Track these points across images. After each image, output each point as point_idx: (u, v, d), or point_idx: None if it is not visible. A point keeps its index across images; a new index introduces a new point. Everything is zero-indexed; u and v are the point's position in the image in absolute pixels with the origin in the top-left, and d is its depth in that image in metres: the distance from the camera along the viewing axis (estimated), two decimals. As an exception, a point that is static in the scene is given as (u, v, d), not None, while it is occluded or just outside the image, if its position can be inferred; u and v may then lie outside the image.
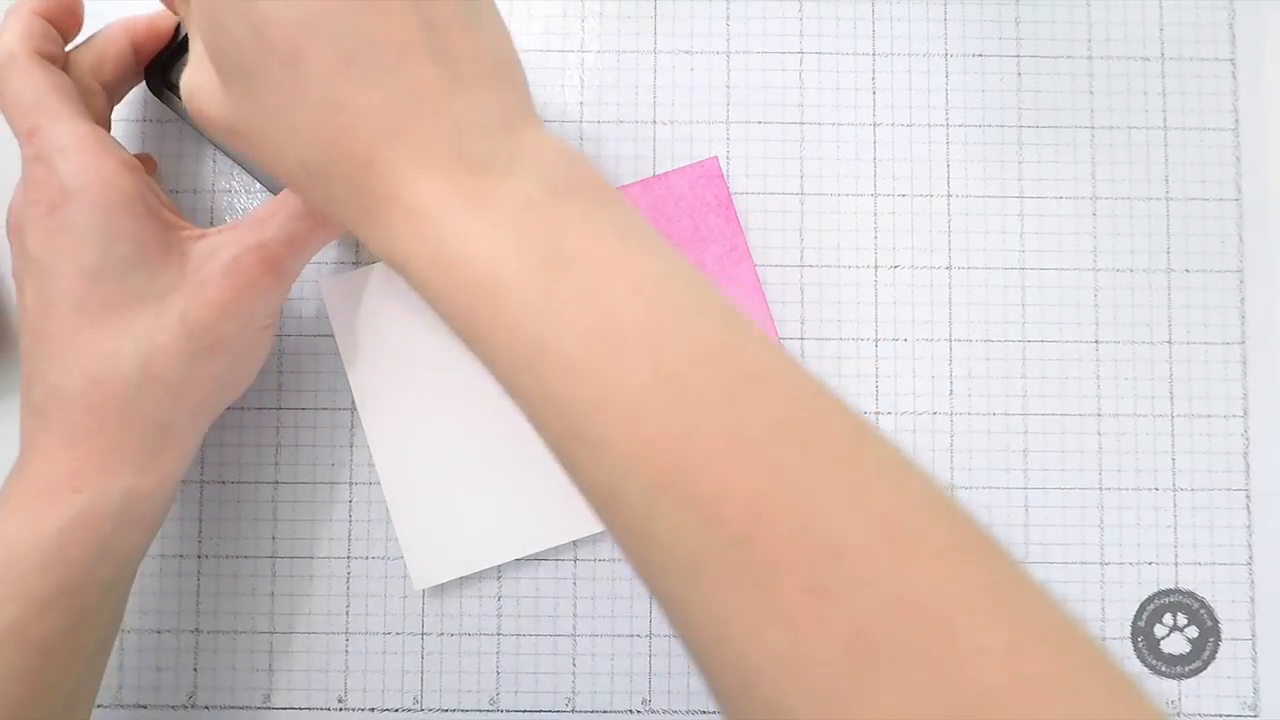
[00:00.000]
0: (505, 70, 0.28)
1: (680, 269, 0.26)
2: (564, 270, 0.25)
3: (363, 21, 0.25)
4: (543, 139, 0.27)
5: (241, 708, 0.38)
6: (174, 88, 0.37)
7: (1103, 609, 0.39)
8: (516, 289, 0.25)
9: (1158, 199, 0.40)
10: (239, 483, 0.39)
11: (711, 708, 0.38)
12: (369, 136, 0.26)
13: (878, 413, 0.40)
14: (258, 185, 0.40)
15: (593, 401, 0.24)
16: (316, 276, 0.40)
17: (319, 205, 0.28)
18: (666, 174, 0.39)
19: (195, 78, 0.29)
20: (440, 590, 0.39)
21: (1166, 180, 0.40)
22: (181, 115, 0.38)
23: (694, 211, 0.39)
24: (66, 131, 0.31)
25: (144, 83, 0.37)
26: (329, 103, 0.26)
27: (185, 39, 0.37)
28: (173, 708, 0.38)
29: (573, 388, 0.24)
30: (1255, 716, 0.39)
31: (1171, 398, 0.40)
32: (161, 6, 0.36)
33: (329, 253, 0.40)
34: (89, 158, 0.31)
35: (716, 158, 0.40)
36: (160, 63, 0.37)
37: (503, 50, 0.28)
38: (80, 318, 0.31)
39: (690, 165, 0.39)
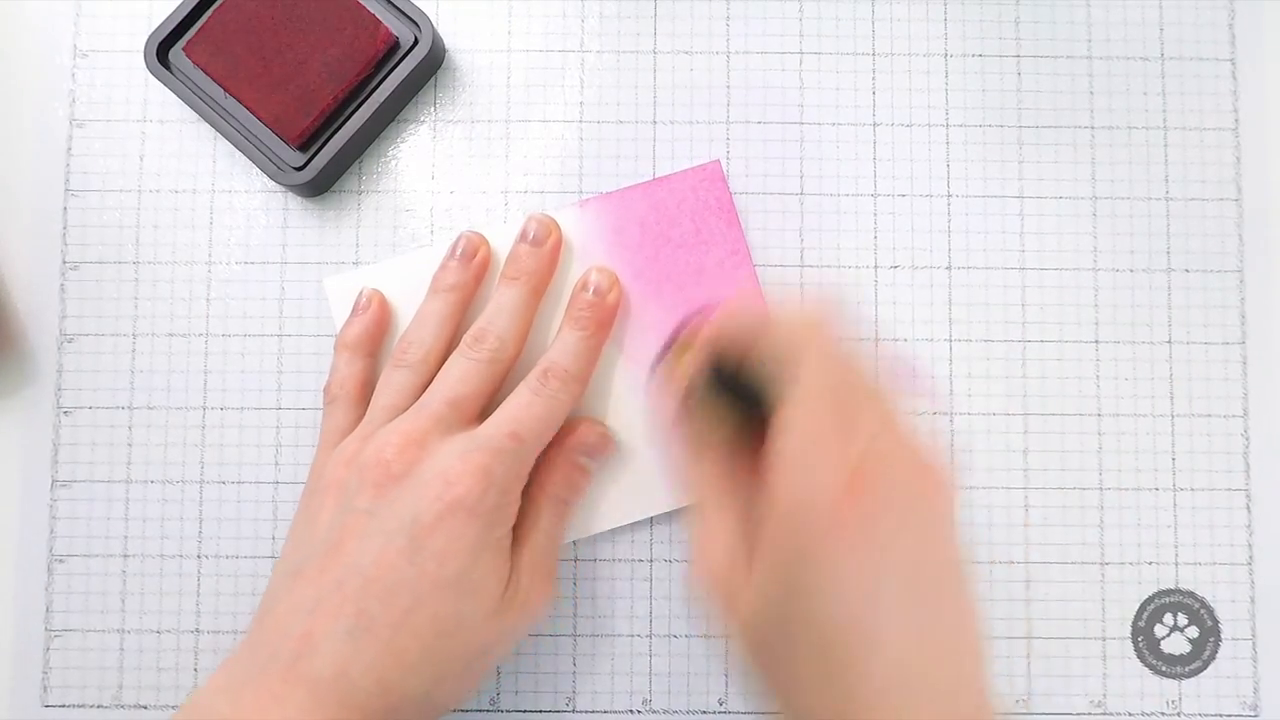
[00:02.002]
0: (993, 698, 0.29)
1: None
2: None
3: (930, 631, 0.27)
4: None
5: (241, 708, 0.38)
6: (171, 68, 0.38)
7: (1103, 609, 0.39)
8: None
9: (1158, 199, 0.40)
10: (239, 483, 0.39)
11: (711, 708, 0.38)
12: None
13: (878, 413, 0.40)
14: (257, 186, 0.40)
15: None
16: (317, 276, 0.40)
17: None
18: (669, 176, 0.39)
19: (710, 580, 0.29)
20: (440, 590, 0.39)
21: (1166, 180, 0.40)
22: (180, 95, 0.38)
23: (695, 214, 0.39)
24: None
25: (145, 66, 0.38)
26: (862, 701, 0.26)
27: (187, 17, 0.38)
28: (172, 707, 0.38)
29: None
30: (1255, 716, 0.39)
31: (1171, 398, 0.40)
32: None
33: (329, 252, 0.40)
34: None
35: (719, 161, 0.40)
36: (164, 42, 0.38)
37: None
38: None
39: (693, 168, 0.39)
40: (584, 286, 0.37)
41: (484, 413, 0.35)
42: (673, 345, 0.35)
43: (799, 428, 0.27)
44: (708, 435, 0.31)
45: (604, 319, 0.37)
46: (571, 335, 0.36)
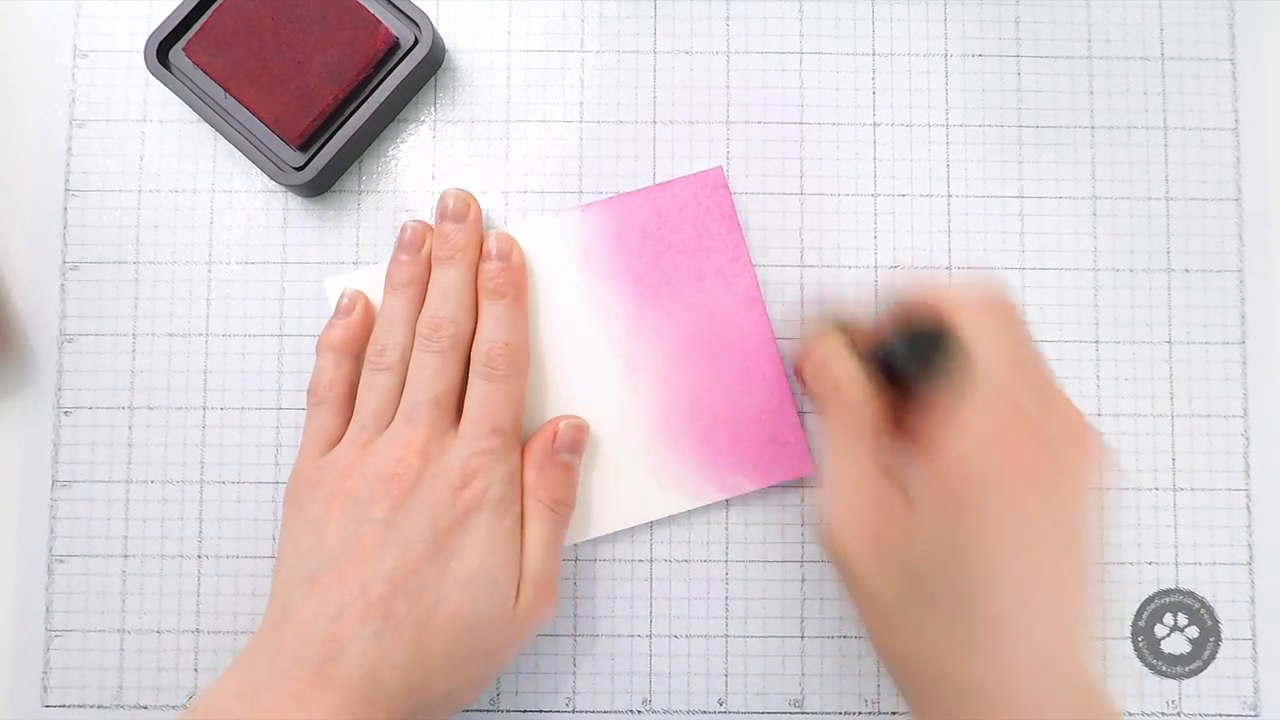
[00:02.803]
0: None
1: None
2: None
3: (1062, 610, 0.29)
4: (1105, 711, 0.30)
5: (241, 708, 0.38)
6: (171, 68, 0.38)
7: (1103, 609, 0.39)
8: None
9: (1158, 199, 0.40)
10: (239, 483, 0.39)
11: (711, 708, 0.38)
12: (998, 688, 0.29)
13: (878, 413, 0.40)
14: (257, 186, 0.40)
15: None
16: (317, 276, 0.40)
17: (903, 688, 0.32)
18: (671, 182, 0.39)
19: (848, 547, 0.31)
20: (440, 590, 0.39)
21: (1166, 180, 0.40)
22: (180, 95, 0.38)
23: (697, 220, 0.39)
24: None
25: (145, 66, 0.38)
26: (985, 661, 0.29)
27: (187, 17, 0.38)
28: (172, 707, 0.38)
29: None
30: (1255, 716, 0.39)
31: (1171, 398, 0.40)
32: None
33: (329, 252, 0.40)
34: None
35: (721, 167, 0.40)
36: (164, 42, 0.38)
37: None
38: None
39: (695, 174, 0.39)
40: (485, 256, 0.37)
41: (463, 392, 0.36)
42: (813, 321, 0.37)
43: (977, 394, 0.29)
44: (862, 409, 0.32)
45: (517, 280, 0.37)
46: (495, 307, 0.36)
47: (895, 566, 0.30)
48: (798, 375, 0.36)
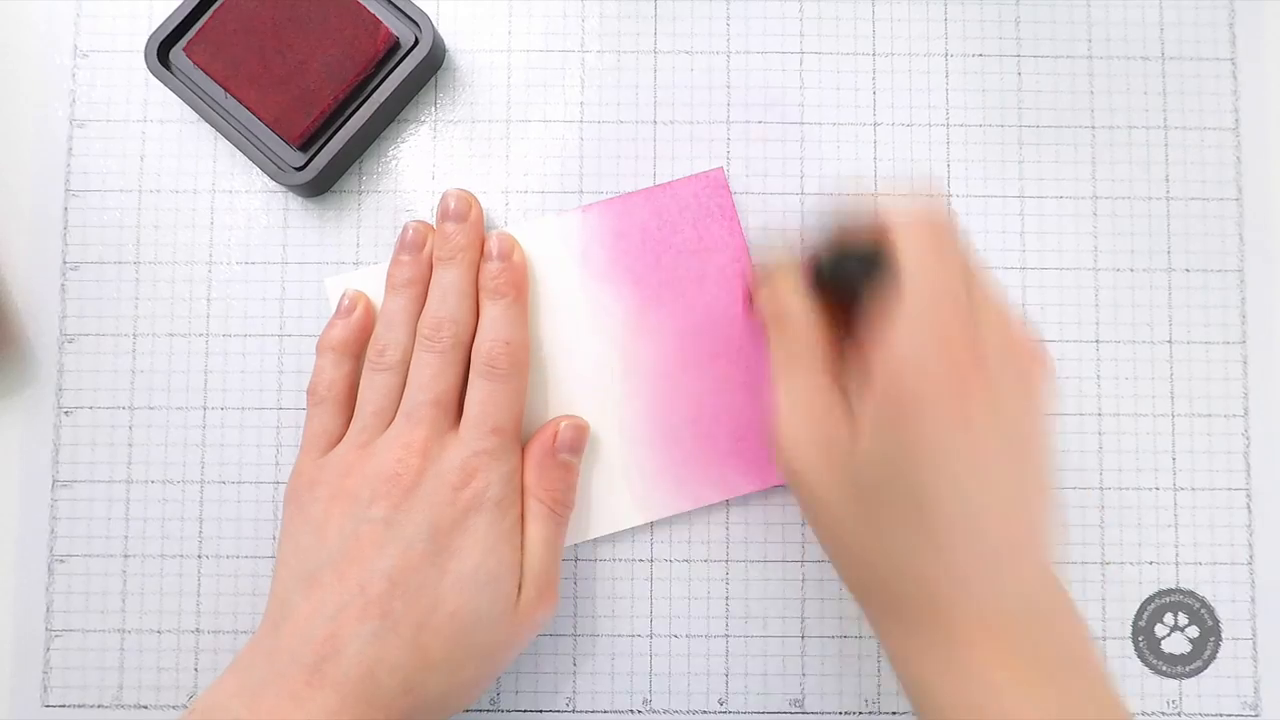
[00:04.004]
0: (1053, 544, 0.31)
1: None
2: None
3: (1019, 518, 0.30)
4: (1068, 603, 0.31)
5: (242, 708, 0.38)
6: (171, 68, 0.38)
7: (1103, 609, 0.39)
8: None
9: (1158, 199, 0.40)
10: (239, 483, 0.39)
11: (711, 708, 0.38)
12: (952, 583, 0.29)
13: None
14: (257, 186, 0.40)
15: None
16: (317, 276, 0.40)
17: (858, 594, 0.32)
18: (672, 183, 0.39)
19: (799, 463, 0.31)
20: (440, 590, 0.39)
21: (1167, 180, 0.40)
22: (180, 95, 0.38)
23: (698, 221, 0.39)
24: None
25: (145, 66, 0.38)
26: (940, 565, 0.29)
27: (187, 17, 0.38)
28: (172, 707, 0.38)
29: None
30: (1255, 716, 0.39)
31: (1171, 398, 0.40)
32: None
33: (329, 252, 0.40)
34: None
35: (722, 169, 0.40)
36: (164, 42, 0.38)
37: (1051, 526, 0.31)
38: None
39: (696, 175, 0.39)
40: (486, 256, 0.37)
41: (463, 392, 0.36)
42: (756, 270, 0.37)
43: (911, 307, 0.29)
44: (805, 332, 0.33)
45: (518, 280, 0.37)
46: (495, 307, 0.36)
47: (843, 476, 0.30)
48: (747, 304, 0.37)
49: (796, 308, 0.33)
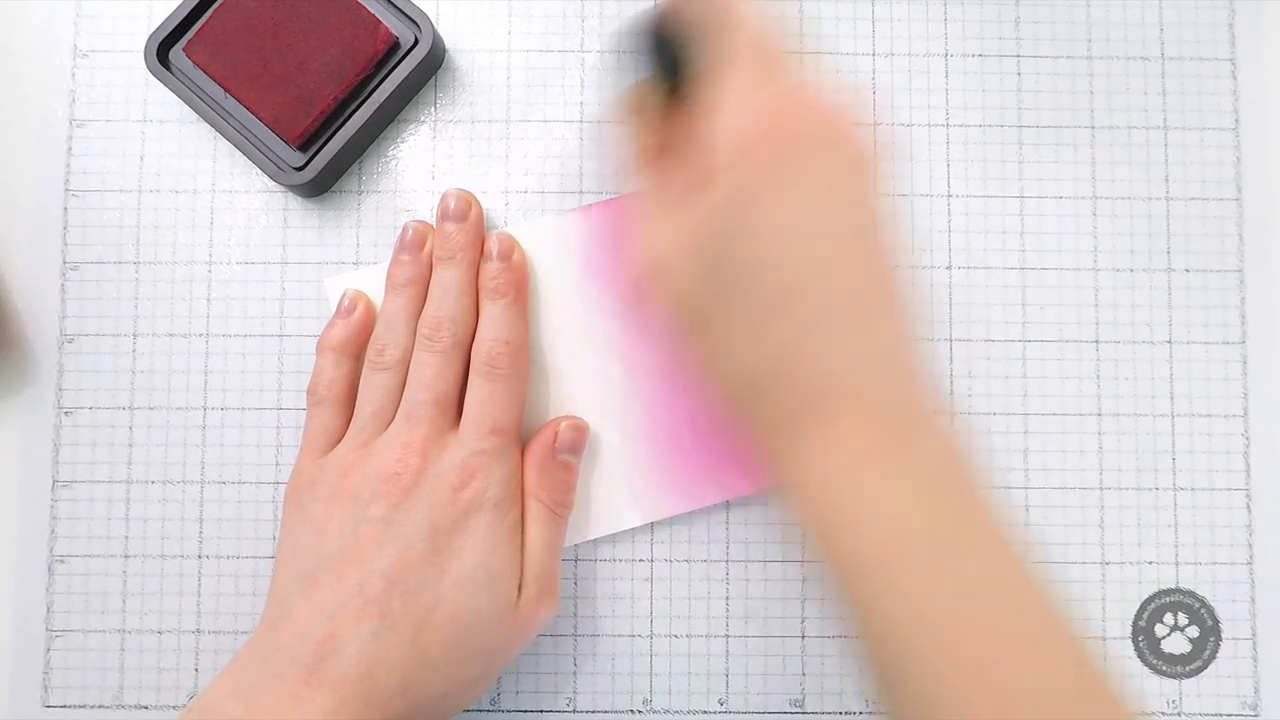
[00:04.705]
0: (914, 338, 0.31)
1: (1049, 592, 0.28)
2: (958, 563, 0.28)
3: (858, 279, 0.29)
4: (934, 411, 0.30)
5: (242, 708, 0.38)
6: (171, 68, 0.38)
7: (1103, 609, 0.39)
8: (910, 568, 0.28)
9: (1158, 199, 0.40)
10: (239, 483, 0.39)
11: (711, 708, 0.38)
12: (822, 376, 0.29)
13: (878, 413, 0.40)
14: (257, 186, 0.40)
15: (950, 693, 0.27)
16: (317, 276, 0.40)
17: (729, 403, 0.31)
18: None
19: (657, 251, 0.31)
20: (440, 590, 0.39)
21: (1166, 180, 0.40)
22: (180, 95, 0.38)
23: None
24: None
25: (145, 66, 0.38)
26: (800, 340, 0.29)
27: (187, 17, 0.38)
28: (172, 707, 0.38)
29: (935, 672, 0.27)
30: (1255, 716, 0.39)
31: (1171, 398, 0.40)
32: None
33: (329, 252, 0.40)
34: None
35: None
36: (164, 42, 0.38)
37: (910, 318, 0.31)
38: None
39: None
40: (486, 256, 0.37)
41: (463, 391, 0.36)
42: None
43: (728, 69, 0.29)
44: (644, 119, 0.33)
45: (518, 280, 0.37)
46: (495, 307, 0.36)
47: (695, 256, 0.30)
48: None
49: (630, 101, 0.33)
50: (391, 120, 0.40)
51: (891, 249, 0.30)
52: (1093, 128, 0.40)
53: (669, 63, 0.32)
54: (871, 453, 0.28)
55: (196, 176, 0.40)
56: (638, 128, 0.33)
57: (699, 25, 0.30)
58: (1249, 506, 0.39)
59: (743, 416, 0.31)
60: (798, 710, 0.38)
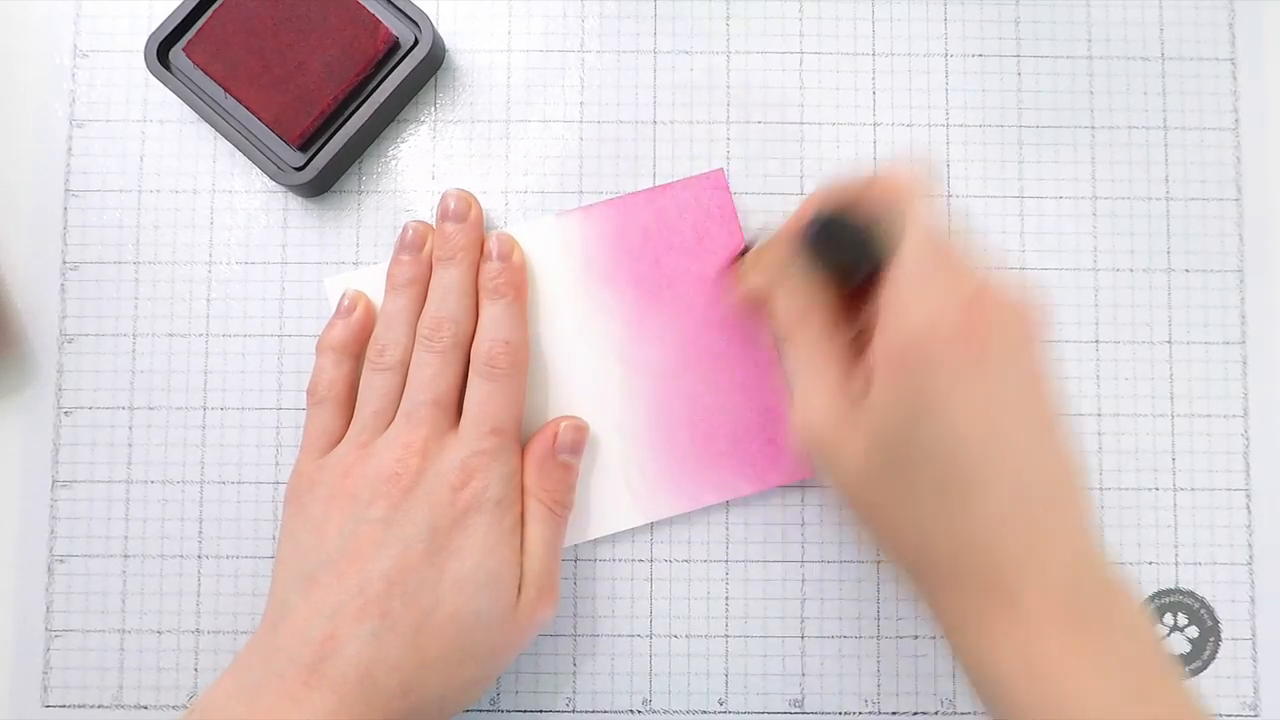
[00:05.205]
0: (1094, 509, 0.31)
1: None
2: None
3: (1048, 462, 0.29)
4: (1119, 581, 0.30)
5: (241, 708, 0.38)
6: (171, 68, 0.38)
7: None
8: None
9: (1158, 199, 0.40)
10: (239, 483, 0.39)
11: (711, 708, 0.38)
12: (1014, 564, 0.29)
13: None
14: (257, 186, 0.40)
15: None
16: (317, 276, 0.40)
17: (909, 575, 0.32)
18: (672, 184, 0.39)
19: (816, 429, 0.31)
20: (440, 590, 0.39)
21: (1166, 180, 0.40)
22: (180, 95, 0.38)
23: (698, 222, 0.39)
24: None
25: (145, 66, 0.38)
26: (987, 525, 0.29)
27: (187, 17, 0.38)
28: (172, 708, 0.38)
29: None
30: (1255, 716, 0.39)
31: (1171, 398, 0.40)
32: None
33: (329, 252, 0.40)
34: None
35: (722, 170, 0.39)
36: (164, 42, 0.38)
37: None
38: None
39: (696, 176, 0.39)
40: (486, 257, 0.37)
41: (463, 392, 0.36)
42: (746, 251, 0.37)
43: (916, 264, 0.29)
44: (807, 298, 0.33)
45: (517, 280, 0.37)
46: (495, 307, 0.36)
47: (862, 434, 0.30)
48: (730, 290, 0.37)
49: (793, 274, 0.33)
50: (391, 120, 0.40)
51: (1064, 418, 0.30)
52: (1093, 128, 0.41)
53: (842, 253, 0.32)
54: (1072, 651, 0.28)
55: (196, 176, 0.40)
56: (791, 271, 0.33)
57: (879, 220, 0.31)
58: (1249, 506, 0.39)
59: (920, 591, 0.32)
60: (797, 710, 0.38)
